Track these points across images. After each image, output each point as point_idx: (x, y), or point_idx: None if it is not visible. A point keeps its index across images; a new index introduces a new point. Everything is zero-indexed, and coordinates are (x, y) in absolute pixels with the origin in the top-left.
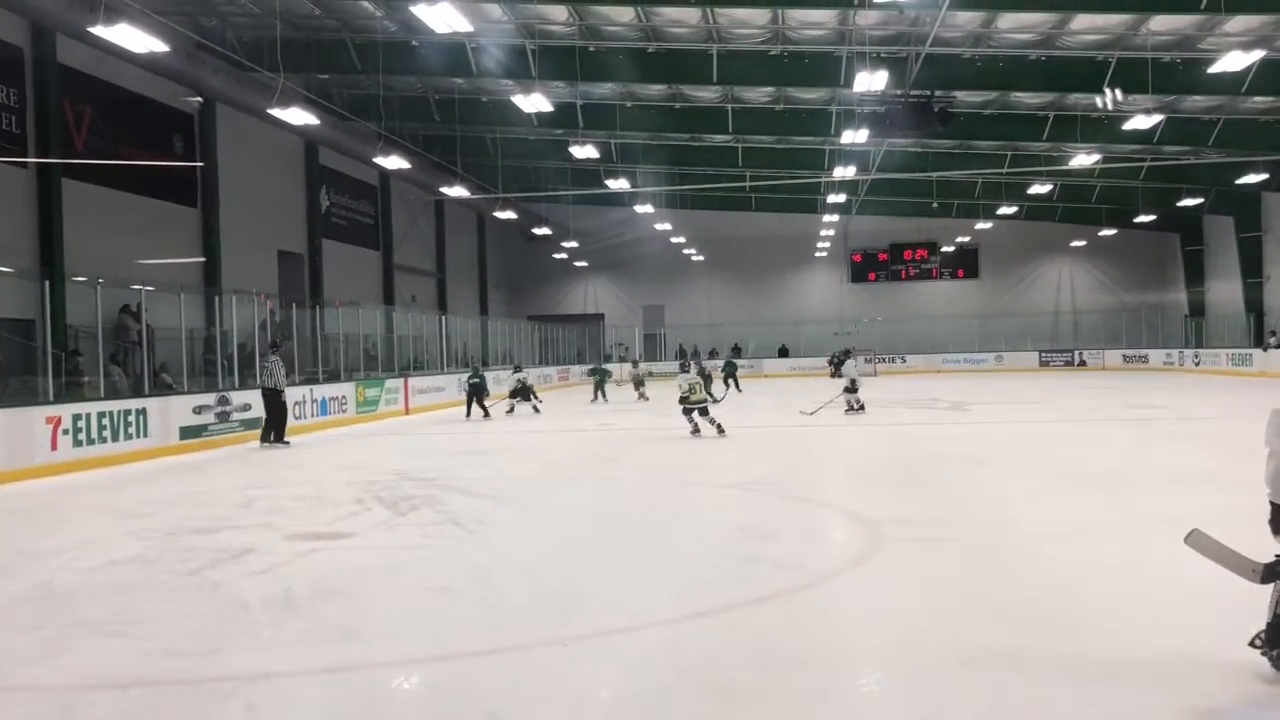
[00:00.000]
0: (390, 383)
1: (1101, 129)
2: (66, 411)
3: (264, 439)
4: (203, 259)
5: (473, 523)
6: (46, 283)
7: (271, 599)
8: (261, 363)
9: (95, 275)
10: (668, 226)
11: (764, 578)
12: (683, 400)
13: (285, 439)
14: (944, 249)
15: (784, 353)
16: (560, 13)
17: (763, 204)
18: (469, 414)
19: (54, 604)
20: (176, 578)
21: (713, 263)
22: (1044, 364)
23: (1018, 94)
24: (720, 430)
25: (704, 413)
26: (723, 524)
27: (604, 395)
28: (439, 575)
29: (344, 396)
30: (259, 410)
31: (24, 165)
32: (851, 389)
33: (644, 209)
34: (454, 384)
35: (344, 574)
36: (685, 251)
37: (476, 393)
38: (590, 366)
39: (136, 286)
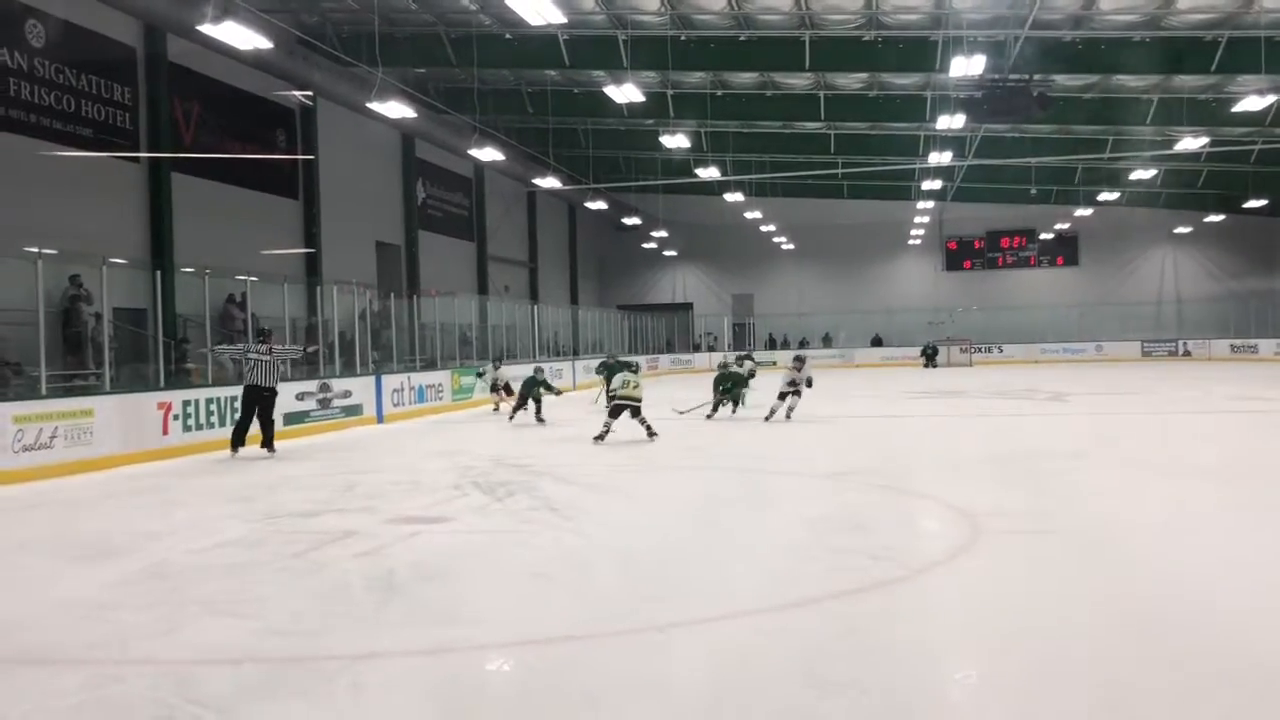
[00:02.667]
0: (487, 371)
1: (1210, 112)
2: (177, 398)
3: (235, 445)
4: (305, 250)
5: (568, 508)
6: (158, 273)
7: (374, 581)
8: (245, 353)
9: (203, 266)
10: (758, 215)
11: (860, 569)
12: (616, 397)
13: (273, 446)
14: (1042, 236)
15: (877, 342)
16: (652, 2)
17: (855, 191)
18: (507, 412)
19: (168, 583)
20: (282, 559)
21: (803, 251)
22: (1146, 354)
23: (1120, 76)
24: (651, 433)
25: (636, 413)
26: (816, 515)
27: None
28: (536, 560)
29: (440, 384)
30: (359, 397)
31: (136, 160)
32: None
33: (734, 197)
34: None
35: (444, 557)
36: (775, 240)
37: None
38: (600, 360)
39: (241, 277)
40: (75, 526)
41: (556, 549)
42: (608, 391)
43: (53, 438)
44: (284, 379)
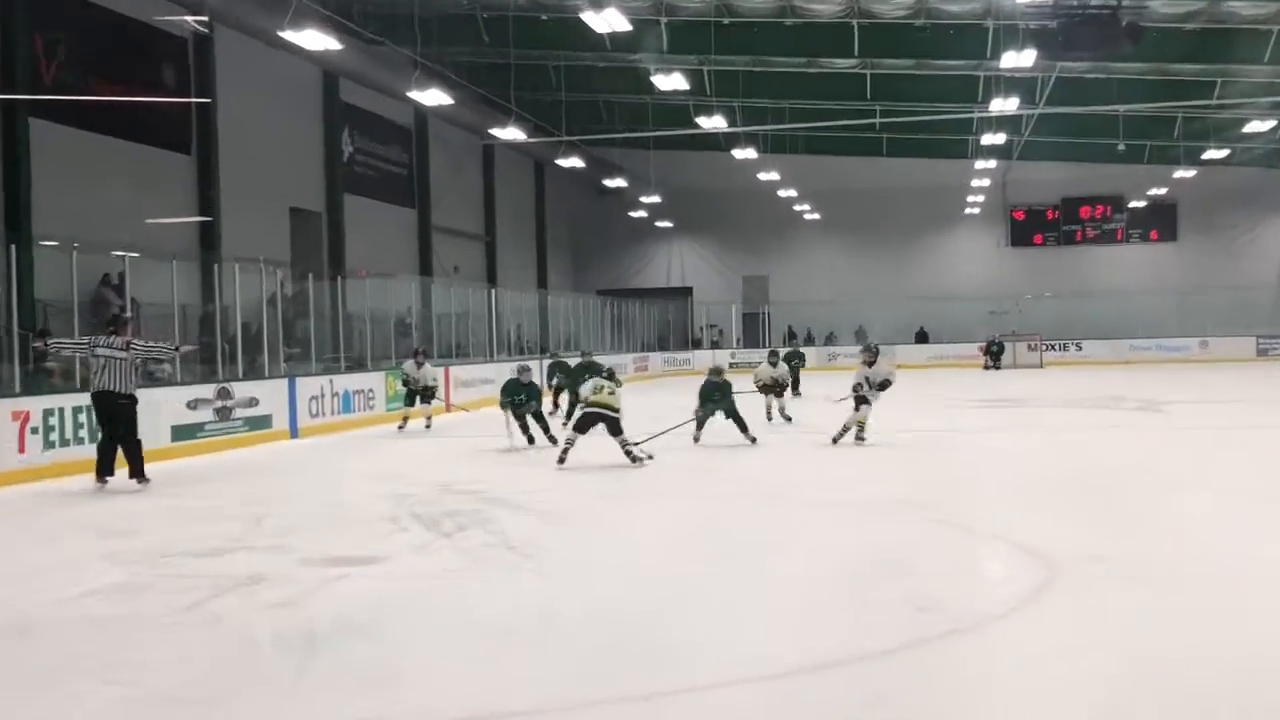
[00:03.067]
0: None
1: None
2: (35, 405)
3: (101, 472)
4: (199, 219)
5: (532, 546)
6: (11, 247)
7: (288, 637)
8: (91, 348)
9: (69, 238)
10: (774, 176)
11: (897, 624)
12: (586, 405)
13: (144, 475)
14: (1132, 204)
15: (922, 337)
16: None
17: (896, 147)
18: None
19: (26, 641)
20: (172, 611)
21: (831, 222)
22: (1262, 353)
23: (1232, 2)
24: (633, 458)
25: (613, 428)
26: (848, 553)
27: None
28: (492, 612)
29: (371, 390)
30: (267, 406)
31: None
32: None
33: (745, 154)
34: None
35: (376, 608)
36: (796, 208)
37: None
38: (553, 360)
39: (119, 253)
40: None
41: (516, 597)
42: (569, 400)
43: None
44: (171, 381)
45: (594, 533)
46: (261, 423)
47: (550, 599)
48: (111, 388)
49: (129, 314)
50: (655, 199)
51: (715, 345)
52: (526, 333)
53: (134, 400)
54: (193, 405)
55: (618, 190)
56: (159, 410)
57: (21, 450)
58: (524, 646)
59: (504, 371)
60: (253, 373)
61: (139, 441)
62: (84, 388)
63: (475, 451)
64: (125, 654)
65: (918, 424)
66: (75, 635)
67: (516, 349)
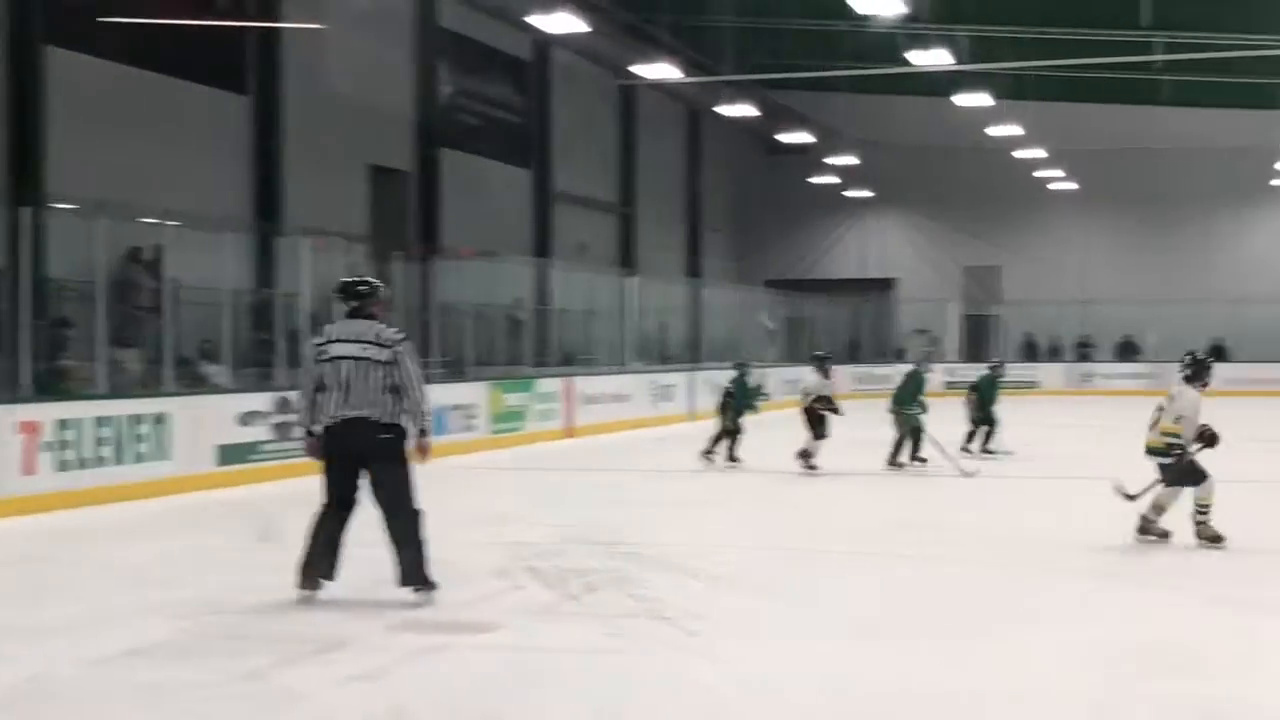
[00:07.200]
0: (544, 385)
1: None
2: (47, 415)
3: (317, 575)
4: (256, 180)
5: (689, 617)
6: (20, 210)
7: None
8: (320, 348)
9: (91, 202)
10: (1014, 131)
11: None
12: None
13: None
14: None
15: (1219, 354)
16: None
17: (1184, 93)
18: (712, 450)
19: (48, 709)
20: (230, 679)
21: (1090, 196)
22: None
23: None
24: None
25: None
26: (1122, 638)
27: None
28: (637, 700)
29: (472, 405)
30: None
31: None
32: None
33: (973, 100)
34: (643, 389)
35: (485, 689)
36: (1041, 176)
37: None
38: (735, 372)
39: (152, 220)
40: None
41: (670, 682)
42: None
43: None
44: (215, 387)
45: (770, 603)
46: None
47: (714, 687)
48: (361, 411)
49: (381, 285)
50: (849, 160)
51: (925, 359)
52: (674, 334)
53: (400, 434)
54: (245, 420)
55: (798, 149)
56: (199, 425)
57: (32, 471)
58: None
59: (639, 385)
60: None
61: (418, 513)
62: (115, 394)
63: (607, 490)
64: None
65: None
66: (109, 705)
67: (660, 357)
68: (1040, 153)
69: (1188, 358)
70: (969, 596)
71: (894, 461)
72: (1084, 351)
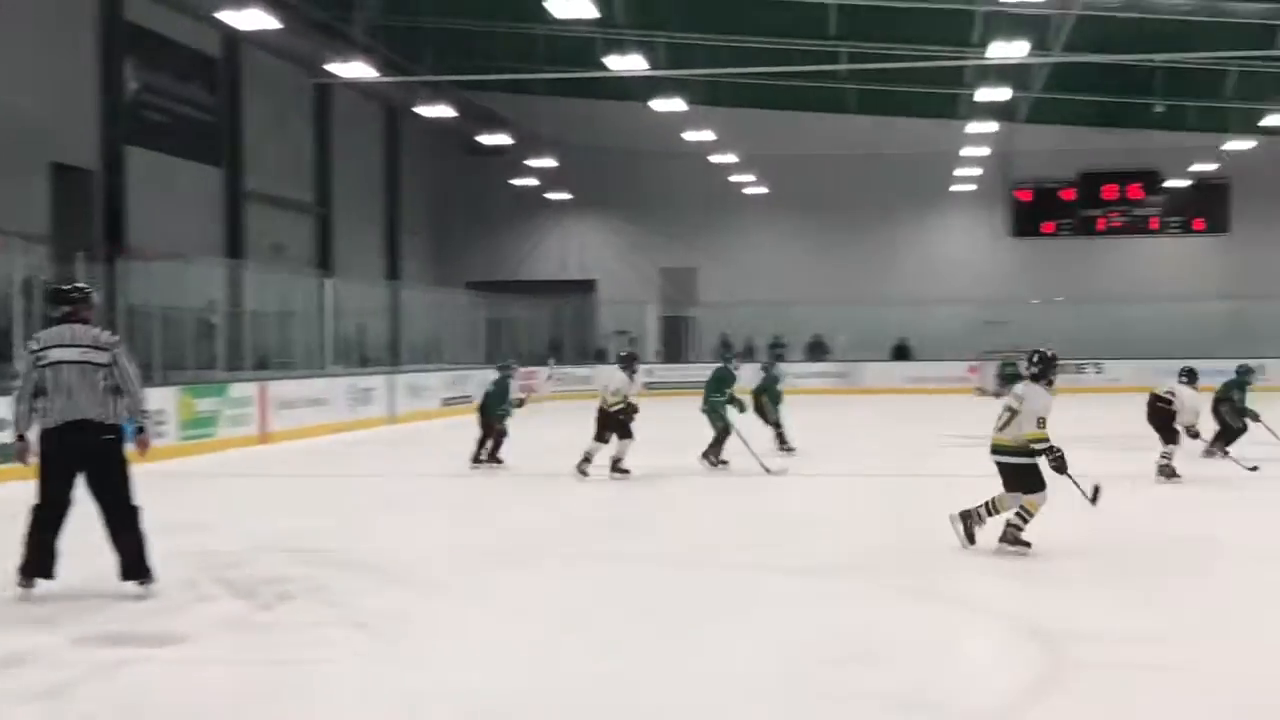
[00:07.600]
0: (238, 389)
1: None
2: None
3: (35, 571)
4: None
5: (388, 623)
6: None
7: None
8: (34, 354)
9: None
10: (708, 136)
11: None
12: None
13: (149, 569)
14: (1170, 182)
15: (901, 353)
16: None
17: (869, 102)
18: (479, 454)
19: None
20: None
21: (781, 200)
22: None
23: None
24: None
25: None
26: (804, 635)
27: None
28: (332, 710)
29: (161, 411)
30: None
31: None
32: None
33: (669, 105)
34: (340, 393)
35: (171, 703)
36: (735, 179)
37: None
38: (502, 369)
39: None
40: None
41: (366, 691)
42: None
43: None
44: None
45: (470, 608)
46: (5, 453)
47: (414, 693)
48: (86, 414)
49: (92, 290)
50: (549, 163)
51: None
52: (372, 337)
53: (120, 435)
54: None
55: (498, 151)
56: None
57: None
58: None
59: (337, 389)
60: None
61: (136, 509)
62: None
63: (303, 497)
64: None
65: (894, 467)
66: None
67: (359, 360)
68: (733, 158)
69: (1035, 355)
70: (660, 594)
71: (707, 456)
72: (774, 346)
